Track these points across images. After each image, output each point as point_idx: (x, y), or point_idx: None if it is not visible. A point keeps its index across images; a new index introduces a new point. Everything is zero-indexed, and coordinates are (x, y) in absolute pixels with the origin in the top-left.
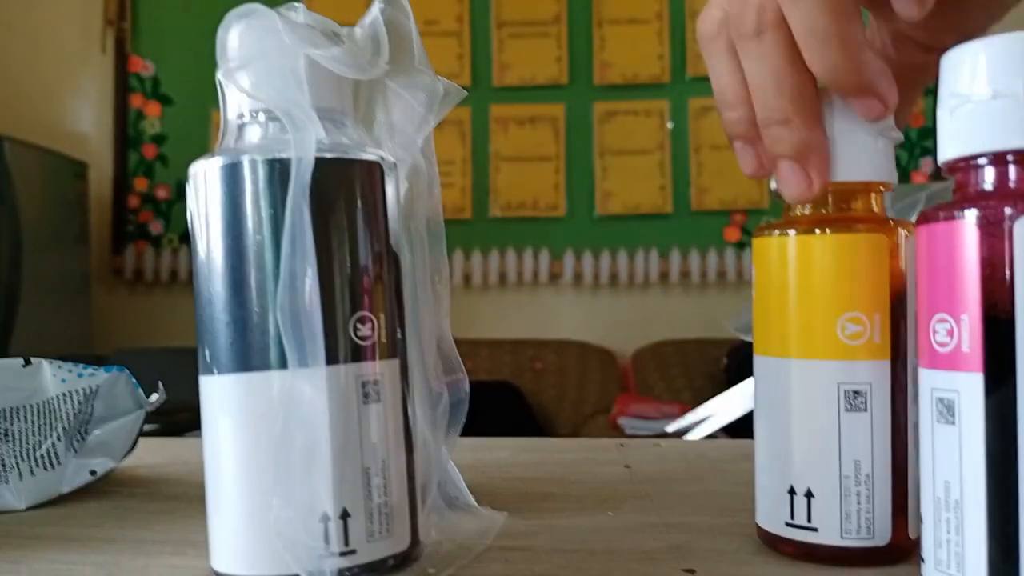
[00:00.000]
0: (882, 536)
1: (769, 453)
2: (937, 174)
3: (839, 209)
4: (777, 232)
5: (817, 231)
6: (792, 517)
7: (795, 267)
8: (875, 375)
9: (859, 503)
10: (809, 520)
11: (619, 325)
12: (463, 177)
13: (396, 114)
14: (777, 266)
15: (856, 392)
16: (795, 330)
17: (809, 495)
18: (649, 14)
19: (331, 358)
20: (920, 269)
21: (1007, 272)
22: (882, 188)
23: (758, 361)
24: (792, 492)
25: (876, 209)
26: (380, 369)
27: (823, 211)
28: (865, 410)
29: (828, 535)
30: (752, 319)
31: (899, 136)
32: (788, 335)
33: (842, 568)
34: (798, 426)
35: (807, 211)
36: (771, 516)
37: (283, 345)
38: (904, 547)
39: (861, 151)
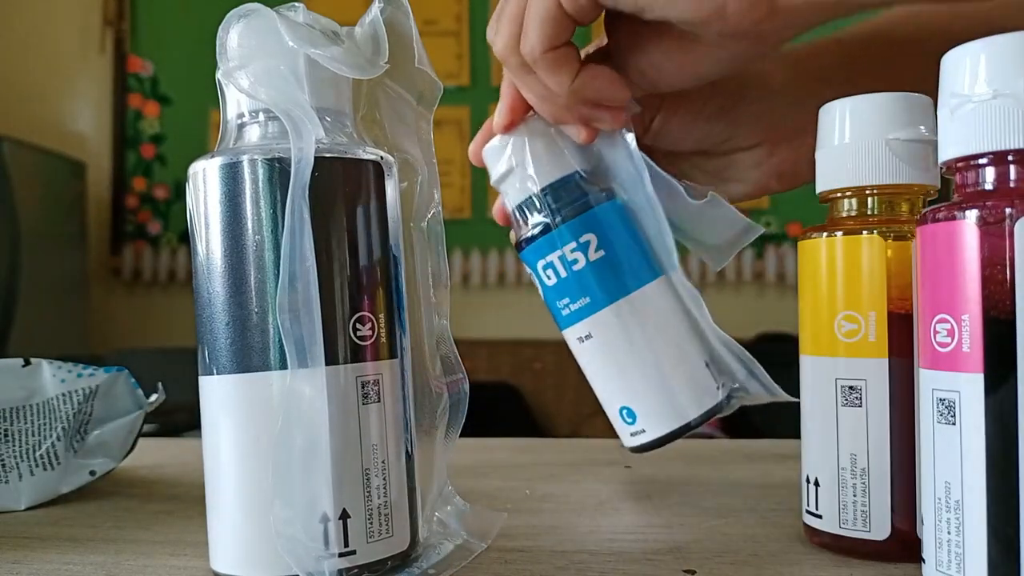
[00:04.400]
0: (879, 530)
1: (800, 446)
2: None
3: (840, 212)
4: (814, 235)
5: (825, 234)
6: (808, 505)
7: (805, 269)
8: (870, 372)
9: (855, 495)
10: (817, 508)
11: None
12: (463, 177)
13: (396, 114)
14: (803, 268)
15: (851, 388)
16: (805, 328)
17: (816, 484)
18: None
19: (331, 358)
20: (921, 269)
21: (1008, 272)
22: (877, 191)
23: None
24: (807, 481)
25: (877, 212)
26: (380, 369)
27: (837, 215)
28: (860, 405)
29: (830, 523)
30: None
31: (911, 135)
32: (803, 334)
33: (842, 566)
34: (808, 419)
35: (843, 215)
36: (800, 505)
37: (283, 345)
38: (907, 544)
39: (857, 158)
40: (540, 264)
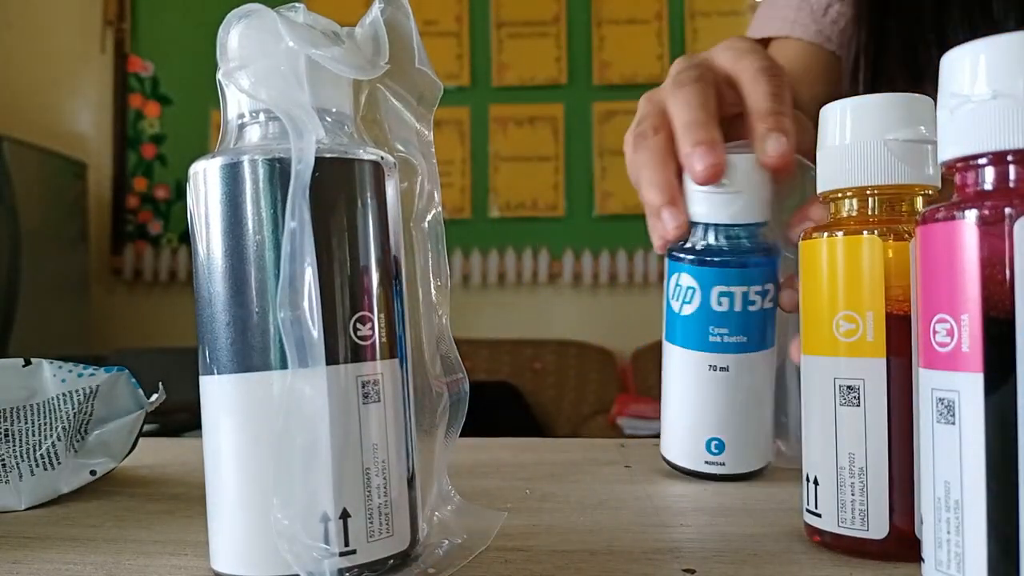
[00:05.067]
0: (877, 529)
1: (803, 446)
2: None
3: (840, 213)
4: (815, 235)
5: (826, 234)
6: (808, 503)
7: (806, 269)
8: (868, 372)
9: (853, 494)
10: (816, 507)
11: (618, 325)
12: (462, 177)
13: (396, 114)
14: (804, 268)
15: (849, 387)
16: (805, 328)
17: (816, 483)
18: (648, 14)
19: (331, 358)
20: (920, 269)
21: (1007, 272)
22: (877, 191)
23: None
24: (807, 480)
25: (877, 212)
26: (380, 369)
27: (837, 215)
28: (858, 405)
29: (829, 522)
30: None
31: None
32: (803, 333)
33: (842, 565)
34: (807, 418)
35: (844, 215)
36: (800, 504)
37: (283, 345)
38: (906, 544)
39: (857, 158)
40: (717, 289)
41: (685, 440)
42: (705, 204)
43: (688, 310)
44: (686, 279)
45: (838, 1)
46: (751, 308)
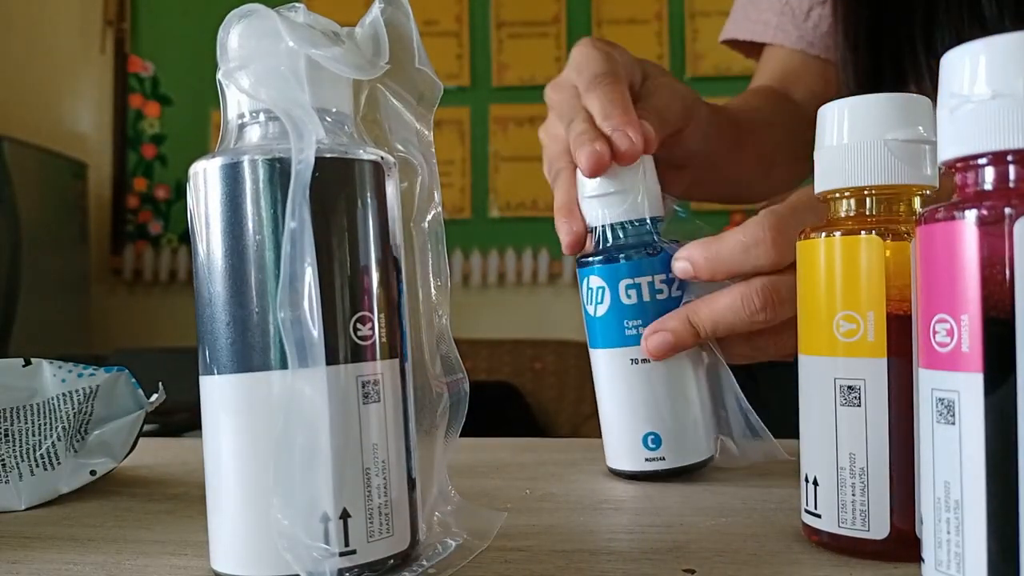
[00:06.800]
0: (878, 530)
1: (800, 445)
2: None
3: (839, 213)
4: (813, 235)
5: (824, 234)
6: (807, 504)
7: (804, 269)
8: (869, 372)
9: (853, 494)
10: (816, 507)
11: None
12: (462, 177)
13: (396, 114)
14: (802, 268)
15: (850, 387)
16: (804, 328)
17: (816, 483)
18: (648, 14)
19: (331, 358)
20: (920, 269)
21: (1007, 272)
22: (875, 191)
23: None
24: (807, 480)
25: (875, 212)
26: (380, 369)
27: (835, 215)
28: (859, 405)
29: (829, 523)
30: None
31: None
32: (802, 333)
33: (842, 565)
34: (807, 418)
35: (842, 215)
36: (800, 505)
37: (283, 345)
38: (907, 544)
39: (855, 158)
40: (624, 283)
41: (623, 441)
42: (599, 207)
43: (602, 310)
44: (595, 280)
45: (819, 4)
46: (659, 297)
